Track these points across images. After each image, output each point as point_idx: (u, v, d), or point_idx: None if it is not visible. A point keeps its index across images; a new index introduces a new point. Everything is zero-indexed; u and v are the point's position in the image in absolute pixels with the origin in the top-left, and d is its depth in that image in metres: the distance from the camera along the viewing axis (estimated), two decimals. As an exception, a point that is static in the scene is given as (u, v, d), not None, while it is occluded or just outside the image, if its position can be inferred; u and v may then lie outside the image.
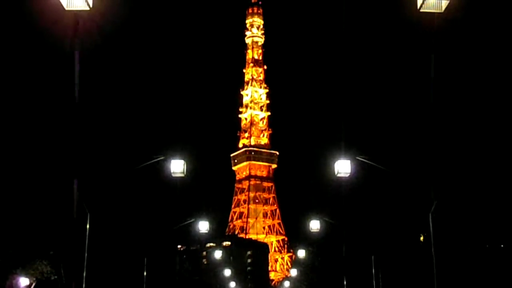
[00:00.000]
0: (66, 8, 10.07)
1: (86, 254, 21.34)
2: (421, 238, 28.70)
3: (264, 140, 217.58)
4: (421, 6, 10.05)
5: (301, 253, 57.11)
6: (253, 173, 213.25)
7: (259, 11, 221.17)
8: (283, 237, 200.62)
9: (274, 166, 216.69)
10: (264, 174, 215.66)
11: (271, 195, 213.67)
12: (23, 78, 28.30)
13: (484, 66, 25.37)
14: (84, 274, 22.11)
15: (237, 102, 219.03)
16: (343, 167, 21.27)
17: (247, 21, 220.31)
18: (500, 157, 25.70)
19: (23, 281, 37.77)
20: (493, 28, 22.17)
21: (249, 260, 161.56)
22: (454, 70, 24.66)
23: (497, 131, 25.86)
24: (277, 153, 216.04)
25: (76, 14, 11.59)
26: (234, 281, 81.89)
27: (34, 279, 37.40)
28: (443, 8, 10.10)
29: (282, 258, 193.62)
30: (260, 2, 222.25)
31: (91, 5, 10.05)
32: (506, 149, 25.10)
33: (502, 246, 31.51)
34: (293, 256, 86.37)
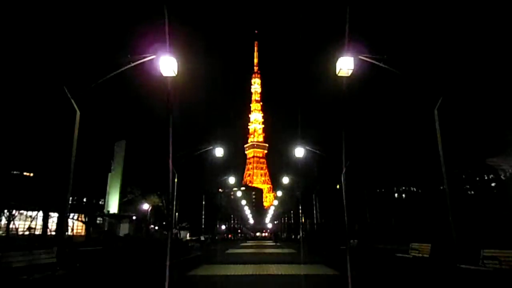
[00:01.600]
0: (164, 75, 9.65)
1: (175, 193, 21.13)
2: (337, 186, 28.46)
3: (261, 139, 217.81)
4: (338, 72, 9.79)
5: (279, 193, 56.38)
6: (255, 155, 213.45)
7: (258, 75, 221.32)
8: (270, 185, 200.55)
9: (265, 151, 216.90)
10: (261, 155, 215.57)
11: (264, 165, 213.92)
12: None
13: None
14: (174, 203, 21.90)
15: (248, 120, 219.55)
16: (299, 152, 20.50)
17: (252, 80, 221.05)
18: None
19: (145, 206, 37.62)
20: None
21: (253, 196, 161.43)
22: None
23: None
24: (267, 145, 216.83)
25: (168, 78, 11.00)
26: (246, 206, 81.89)
27: (151, 205, 37.34)
28: (349, 73, 9.83)
29: (270, 196, 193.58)
30: (259, 71, 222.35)
31: (176, 73, 9.68)
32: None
33: (377, 190, 31.33)
34: (275, 195, 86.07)
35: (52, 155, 20.31)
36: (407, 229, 24.25)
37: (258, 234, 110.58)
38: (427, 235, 18.33)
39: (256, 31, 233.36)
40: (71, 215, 32.69)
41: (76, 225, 35.62)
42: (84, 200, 34.78)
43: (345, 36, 9.79)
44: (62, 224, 10.01)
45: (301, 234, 41.65)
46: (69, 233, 31.50)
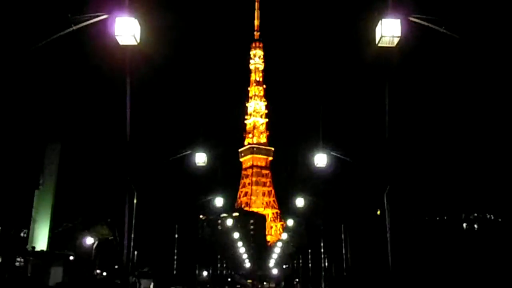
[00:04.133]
0: (121, 44, 9.89)
1: (134, 221, 21.24)
2: (378, 212, 28.56)
3: (263, 139, 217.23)
4: (379, 41, 10.02)
5: (290, 222, 56.94)
6: (255, 163, 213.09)
7: (260, 45, 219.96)
8: (276, 210, 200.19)
9: (270, 158, 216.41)
10: (263, 164, 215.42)
11: (268, 180, 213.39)
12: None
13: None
14: (132, 236, 22.02)
15: (244, 111, 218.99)
16: (320, 159, 21.20)
17: (251, 52, 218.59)
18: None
19: (89, 240, 37.80)
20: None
21: (251, 227, 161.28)
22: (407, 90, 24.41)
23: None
24: (273, 149, 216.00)
25: (127, 48, 11.28)
26: (241, 241, 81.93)
27: (96, 239, 37.49)
28: (395, 43, 10.07)
29: (276, 226, 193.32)
30: (261, 39, 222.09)
31: (138, 41, 9.89)
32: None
33: (437, 218, 31.55)
34: (284, 224, 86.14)
35: None
36: (479, 275, 24.41)
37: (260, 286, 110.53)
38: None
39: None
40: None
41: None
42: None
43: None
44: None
45: (323, 286, 41.73)
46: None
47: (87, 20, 9.62)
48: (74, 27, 9.65)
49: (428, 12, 10.10)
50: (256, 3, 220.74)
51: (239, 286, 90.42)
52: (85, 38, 10.83)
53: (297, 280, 62.94)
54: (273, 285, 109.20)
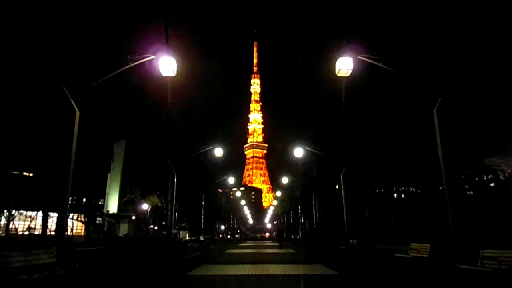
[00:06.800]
0: (164, 75, 9.69)
1: (174, 193, 21.05)
2: (337, 187, 28.37)
3: (260, 139, 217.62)
4: (338, 72, 9.82)
5: (278, 193, 56.52)
6: (254, 155, 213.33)
7: (257, 76, 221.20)
8: (269, 186, 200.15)
9: (265, 151, 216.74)
10: (260, 155, 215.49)
11: (263, 165, 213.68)
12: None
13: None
14: (173, 203, 21.84)
15: (247, 120, 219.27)
16: (298, 152, 20.71)
17: (251, 80, 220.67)
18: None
19: (145, 206, 37.56)
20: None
21: (253, 197, 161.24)
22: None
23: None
24: (266, 145, 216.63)
25: (167, 79, 11.10)
26: (246, 206, 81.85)
27: (150, 205, 37.28)
28: (349, 73, 9.88)
29: (269, 196, 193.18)
30: (258, 71, 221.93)
31: (175, 73, 9.70)
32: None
33: (376, 191, 31.27)
34: (274, 195, 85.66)
35: (52, 155, 20.27)
36: (406, 229, 24.21)
37: (258, 235, 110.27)
38: (426, 235, 18.30)
39: (255, 31, 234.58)
40: (71, 215, 32.65)
41: (75, 225, 35.62)
42: (84, 200, 34.77)
43: (345, 36, 9.84)
44: (61, 224, 10.01)
45: (300, 235, 41.64)
46: (69, 233, 31.46)
47: (141, 59, 9.43)
48: (132, 64, 9.46)
49: (375, 50, 9.90)
50: (255, 47, 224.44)
51: (242, 235, 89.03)
52: (139, 70, 10.62)
53: (284, 233, 62.77)
54: (267, 235, 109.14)
